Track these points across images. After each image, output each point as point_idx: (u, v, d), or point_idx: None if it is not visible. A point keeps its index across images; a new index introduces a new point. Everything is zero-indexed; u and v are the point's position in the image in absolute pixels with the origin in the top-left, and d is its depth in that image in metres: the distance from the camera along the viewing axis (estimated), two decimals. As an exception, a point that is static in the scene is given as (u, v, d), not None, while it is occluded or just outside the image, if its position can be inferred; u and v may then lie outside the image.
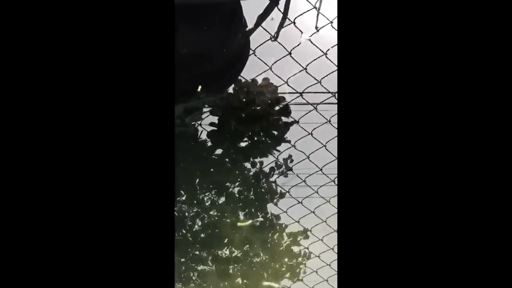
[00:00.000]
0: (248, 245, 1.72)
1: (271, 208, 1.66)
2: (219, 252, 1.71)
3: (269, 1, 1.37)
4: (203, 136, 1.53)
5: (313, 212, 1.61)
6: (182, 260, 1.69)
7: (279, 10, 1.38)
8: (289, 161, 1.57)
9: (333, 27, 1.35)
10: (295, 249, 1.77)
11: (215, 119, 1.51)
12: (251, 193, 1.63)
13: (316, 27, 1.47)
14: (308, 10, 1.35)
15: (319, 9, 1.48)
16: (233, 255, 1.72)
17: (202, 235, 1.65)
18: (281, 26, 1.46)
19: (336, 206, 1.59)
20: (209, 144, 1.55)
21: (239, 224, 1.61)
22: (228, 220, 1.66)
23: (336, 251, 1.73)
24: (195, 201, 1.62)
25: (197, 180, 1.60)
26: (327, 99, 1.47)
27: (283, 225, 1.70)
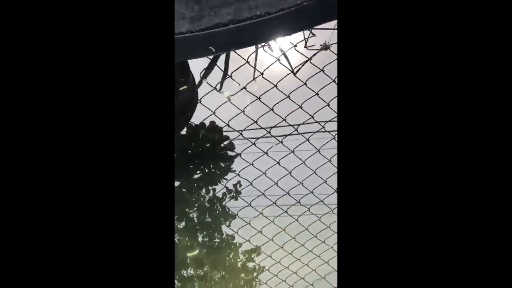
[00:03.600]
0: (207, 265, 1.98)
1: (225, 229, 1.95)
2: (184, 272, 1.97)
3: (210, 60, 1.72)
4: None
5: (260, 232, 1.90)
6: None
7: (218, 67, 1.72)
8: (238, 185, 1.88)
9: (263, 77, 1.70)
10: (250, 265, 2.05)
11: (172, 157, 1.81)
12: (207, 216, 1.92)
13: (254, 77, 1.81)
14: (243, 65, 1.69)
15: (255, 64, 1.83)
16: (197, 273, 1.99)
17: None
18: (223, 79, 1.80)
19: (280, 225, 1.89)
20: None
21: (188, 254, 1.89)
22: (189, 244, 1.94)
23: (284, 265, 2.01)
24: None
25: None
26: (264, 135, 1.80)
27: (237, 244, 1.99)
